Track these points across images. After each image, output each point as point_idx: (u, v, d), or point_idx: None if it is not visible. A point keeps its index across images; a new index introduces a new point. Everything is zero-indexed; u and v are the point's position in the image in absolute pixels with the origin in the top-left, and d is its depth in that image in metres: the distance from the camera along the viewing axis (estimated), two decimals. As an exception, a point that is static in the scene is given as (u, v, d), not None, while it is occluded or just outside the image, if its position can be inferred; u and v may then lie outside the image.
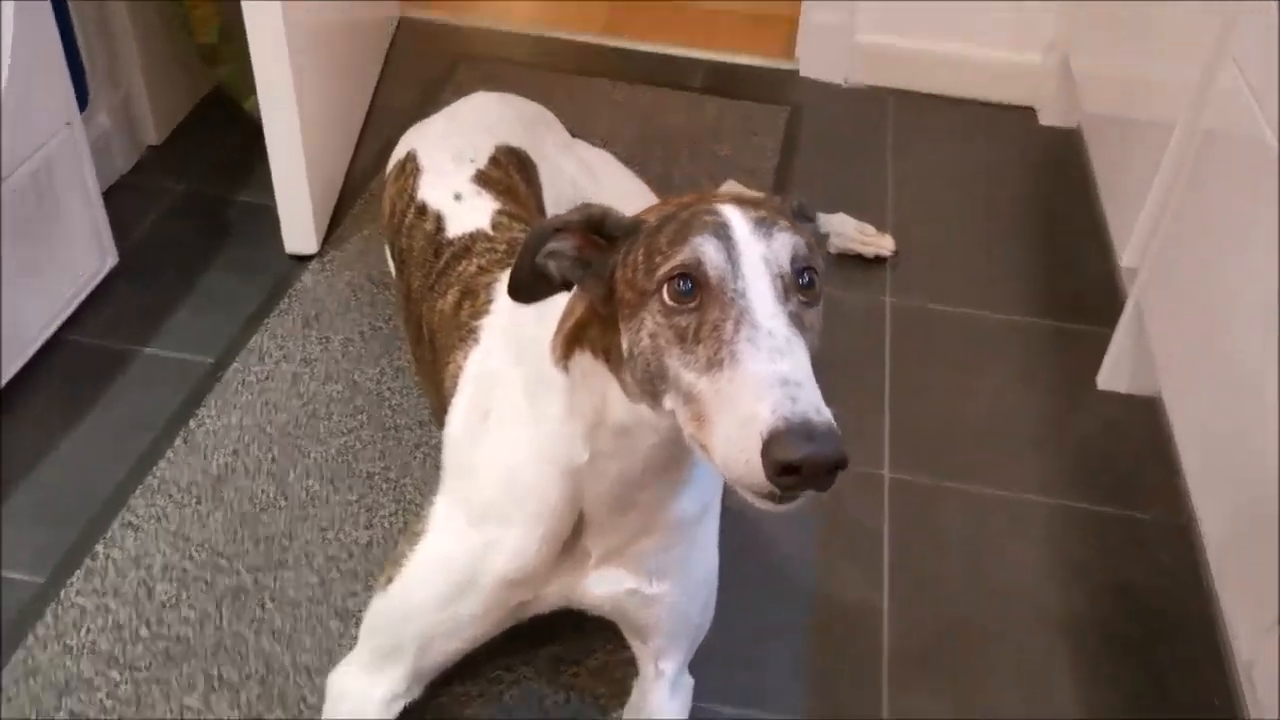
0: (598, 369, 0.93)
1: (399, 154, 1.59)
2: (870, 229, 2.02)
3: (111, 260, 1.84)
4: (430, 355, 1.30)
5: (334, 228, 1.98)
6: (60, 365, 1.69)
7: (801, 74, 2.57)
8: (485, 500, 1.07)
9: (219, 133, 2.21)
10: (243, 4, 1.69)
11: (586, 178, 1.70)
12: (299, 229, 1.89)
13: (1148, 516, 1.58)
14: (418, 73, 2.48)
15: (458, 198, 1.43)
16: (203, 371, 1.70)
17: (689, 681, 1.25)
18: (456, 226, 1.38)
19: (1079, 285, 2.00)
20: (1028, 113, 2.49)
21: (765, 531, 1.51)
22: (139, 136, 2.13)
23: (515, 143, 1.58)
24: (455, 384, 1.18)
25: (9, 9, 1.49)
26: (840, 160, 2.30)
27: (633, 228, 0.88)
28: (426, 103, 2.24)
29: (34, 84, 1.57)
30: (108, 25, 1.99)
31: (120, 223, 1.88)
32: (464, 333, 1.21)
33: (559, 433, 0.99)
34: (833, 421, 0.73)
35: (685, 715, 1.24)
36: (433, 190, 1.45)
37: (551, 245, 0.90)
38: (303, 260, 1.91)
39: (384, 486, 1.53)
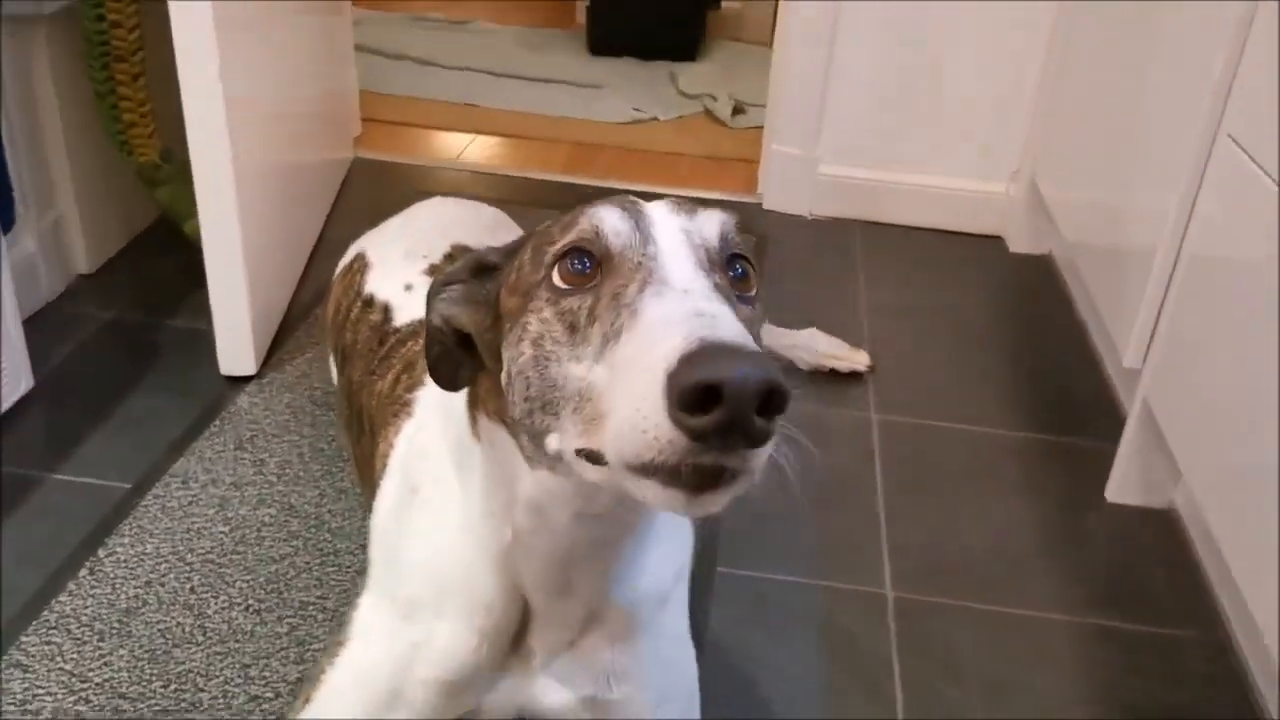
0: (499, 434, 0.79)
1: (348, 256, 1.49)
2: (843, 344, 1.91)
3: (26, 384, 1.67)
4: (370, 447, 1.15)
5: (274, 351, 1.84)
6: (-44, 492, 1.50)
7: (765, 207, 2.52)
8: (413, 592, 0.91)
9: (155, 262, 2.09)
10: (189, 142, 1.60)
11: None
12: (236, 348, 1.75)
13: (1183, 632, 1.42)
14: (371, 206, 2.39)
15: (408, 288, 1.31)
16: (118, 498, 1.51)
17: None
18: (405, 315, 1.26)
19: (1069, 399, 1.90)
20: (996, 241, 2.45)
21: (762, 661, 1.33)
22: (69, 264, 2.00)
23: (472, 243, 1.47)
24: (385, 465, 1.02)
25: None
26: (810, 286, 2.22)
27: (517, 245, 0.76)
28: (379, 231, 2.15)
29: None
30: (40, 145, 1.89)
31: (41, 349, 1.73)
32: (398, 407, 1.07)
33: (483, 509, 0.84)
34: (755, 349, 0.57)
35: None
36: (382, 283, 1.34)
37: (443, 299, 0.78)
38: (239, 382, 1.76)
39: (319, 617, 1.33)
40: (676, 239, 0.68)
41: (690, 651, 1.01)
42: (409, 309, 1.27)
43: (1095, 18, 2.05)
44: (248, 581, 1.38)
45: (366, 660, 0.93)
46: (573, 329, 0.66)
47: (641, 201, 0.72)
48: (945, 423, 1.81)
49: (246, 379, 1.76)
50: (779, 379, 0.55)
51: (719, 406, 0.54)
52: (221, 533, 1.45)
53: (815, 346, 1.89)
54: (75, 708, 1.20)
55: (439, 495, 0.89)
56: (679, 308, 0.60)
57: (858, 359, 1.90)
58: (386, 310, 1.29)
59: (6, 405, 1.63)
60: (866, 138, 2.43)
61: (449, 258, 1.40)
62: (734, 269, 0.70)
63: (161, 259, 2.08)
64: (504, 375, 0.73)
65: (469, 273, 0.78)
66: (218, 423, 1.66)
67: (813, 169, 2.46)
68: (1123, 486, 1.64)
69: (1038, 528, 1.59)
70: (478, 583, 0.86)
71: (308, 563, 1.41)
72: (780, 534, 1.54)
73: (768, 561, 1.49)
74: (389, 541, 0.96)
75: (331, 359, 1.46)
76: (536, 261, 0.71)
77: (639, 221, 0.68)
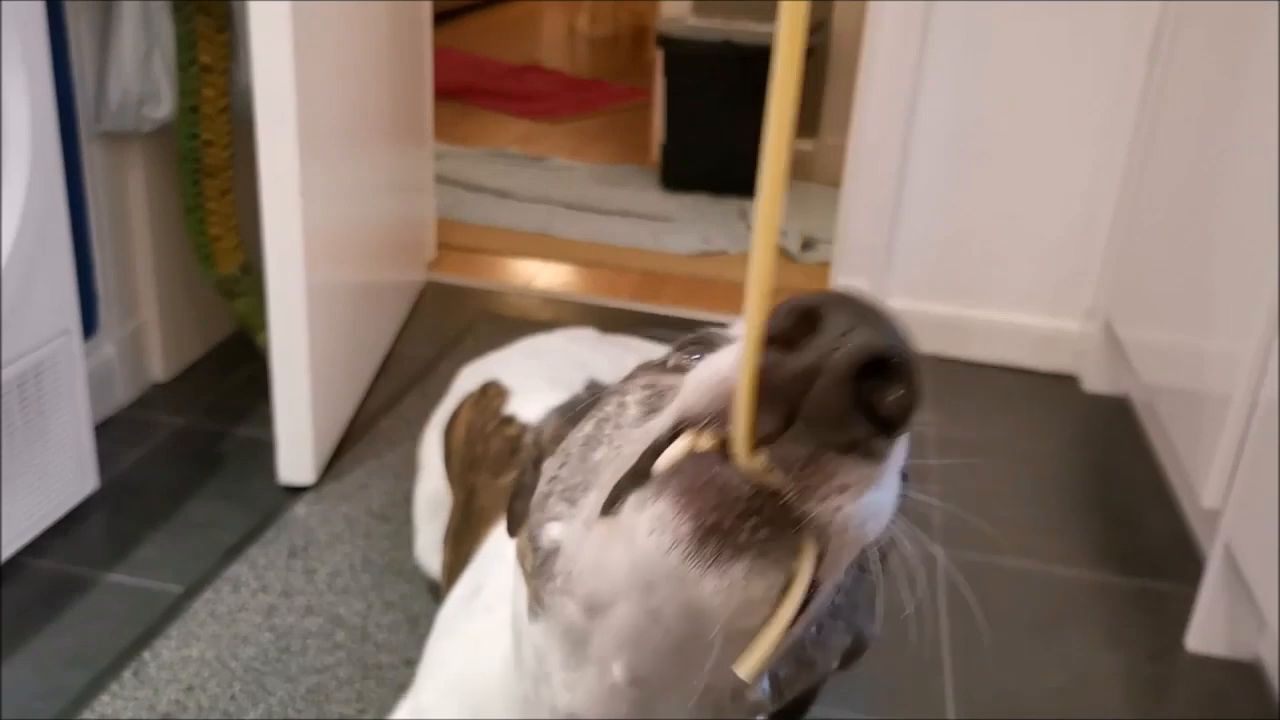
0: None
1: (469, 385, 1.46)
2: None
3: (91, 485, 1.70)
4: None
5: (334, 463, 1.85)
6: (12, 586, 1.51)
7: (832, 339, 2.50)
8: (433, 704, 0.86)
9: (228, 373, 2.13)
10: (266, 259, 1.66)
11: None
12: (296, 458, 1.76)
13: (1271, 796, 1.31)
14: (441, 325, 2.44)
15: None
16: (169, 601, 1.51)
17: None
18: None
19: (1147, 542, 1.82)
20: (1070, 380, 2.39)
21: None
22: (145, 372, 2.05)
23: (601, 375, 1.45)
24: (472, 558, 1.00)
25: (18, 188, 1.44)
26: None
27: None
28: (444, 354, 2.20)
29: (35, 279, 1.50)
30: (127, 256, 1.96)
31: (109, 453, 1.76)
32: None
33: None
34: None
35: None
36: (526, 405, 1.31)
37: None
38: (297, 492, 1.76)
39: (357, 731, 1.30)
40: None
41: None
42: None
43: (1172, 153, 2.04)
44: (288, 691, 1.35)
45: None
46: None
47: None
48: (1015, 561, 1.74)
49: (305, 489, 1.77)
50: (902, 342, 0.41)
51: (811, 339, 0.40)
52: (266, 640, 1.44)
53: None
54: (103, 813, 1.17)
55: (500, 600, 0.79)
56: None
57: None
58: (525, 429, 1.26)
59: (71, 506, 1.65)
60: (936, 271, 2.42)
61: (589, 389, 1.38)
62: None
63: (235, 370, 2.13)
64: None
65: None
66: (273, 530, 1.66)
67: (882, 302, 2.44)
68: (1204, 635, 1.55)
69: (1114, 676, 1.51)
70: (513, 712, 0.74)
71: (349, 675, 1.38)
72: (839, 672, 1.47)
73: (824, 697, 1.42)
74: (438, 636, 0.93)
75: (426, 463, 1.45)
76: None
77: None
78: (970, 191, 2.35)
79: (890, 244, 2.41)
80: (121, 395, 1.98)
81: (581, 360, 1.48)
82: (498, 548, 0.95)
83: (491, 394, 1.38)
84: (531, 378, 1.39)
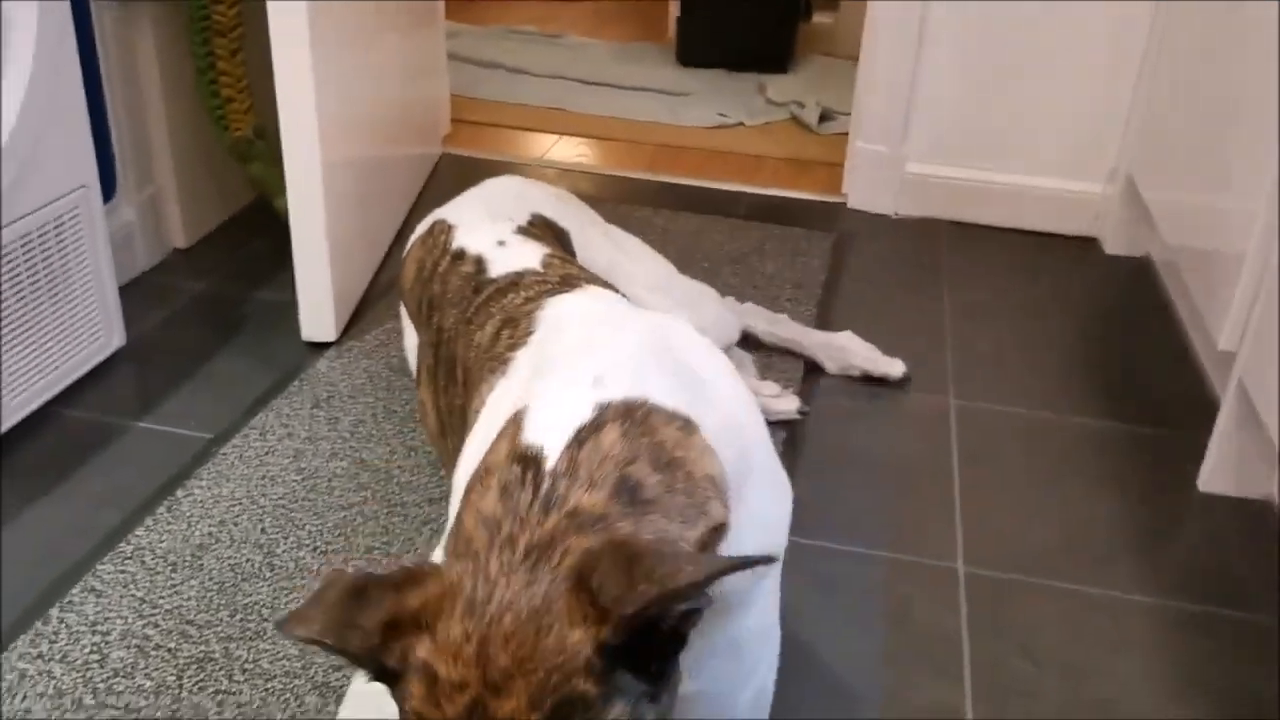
0: None
1: (423, 226, 1.49)
2: (875, 350, 1.84)
3: (118, 341, 1.73)
4: (461, 398, 1.14)
5: (354, 323, 1.87)
6: (44, 434, 1.55)
7: (850, 205, 2.49)
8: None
9: (248, 240, 2.15)
10: (281, 122, 1.66)
11: (616, 251, 1.59)
12: (318, 315, 1.78)
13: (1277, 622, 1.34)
14: (455, 196, 2.43)
15: (501, 244, 1.30)
16: (198, 447, 1.55)
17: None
18: (501, 267, 1.23)
19: (1160, 392, 1.83)
20: (1090, 243, 2.38)
21: (826, 632, 1.30)
22: (165, 238, 2.07)
23: (549, 214, 1.48)
24: (475, 421, 1.01)
25: (28, 40, 1.44)
26: (891, 286, 2.18)
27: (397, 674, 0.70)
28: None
29: (49, 133, 1.51)
30: (141, 120, 1.97)
31: (133, 315, 1.79)
32: (496, 363, 1.05)
33: None
34: None
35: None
36: (472, 237, 1.32)
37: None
38: (319, 348, 1.79)
39: (383, 561, 1.34)
40: None
41: (772, 648, 0.96)
42: (503, 262, 1.24)
43: (1195, 11, 1.99)
44: (316, 526, 1.39)
45: None
46: None
47: None
48: (1027, 410, 1.76)
49: (326, 346, 1.79)
50: None
51: None
52: (294, 481, 1.47)
53: (850, 348, 1.83)
54: (144, 630, 1.22)
55: None
56: None
57: (892, 366, 1.82)
58: (480, 262, 1.26)
59: (100, 359, 1.68)
60: (955, 135, 2.39)
61: (532, 224, 1.40)
62: None
63: (254, 238, 2.14)
64: None
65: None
66: (296, 383, 1.69)
67: (899, 167, 2.43)
68: (1215, 475, 1.57)
69: (1123, 514, 1.53)
70: None
71: (375, 511, 1.42)
72: (849, 508, 1.51)
73: (835, 533, 1.46)
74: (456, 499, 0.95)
75: (406, 320, 1.47)
76: None
77: None
78: (990, 54, 2.31)
79: (909, 109, 2.38)
80: (142, 260, 2.00)
81: (523, 194, 1.49)
82: (501, 407, 0.96)
83: (437, 231, 1.39)
84: (475, 213, 1.39)
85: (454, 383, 1.17)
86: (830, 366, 1.82)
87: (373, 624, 0.68)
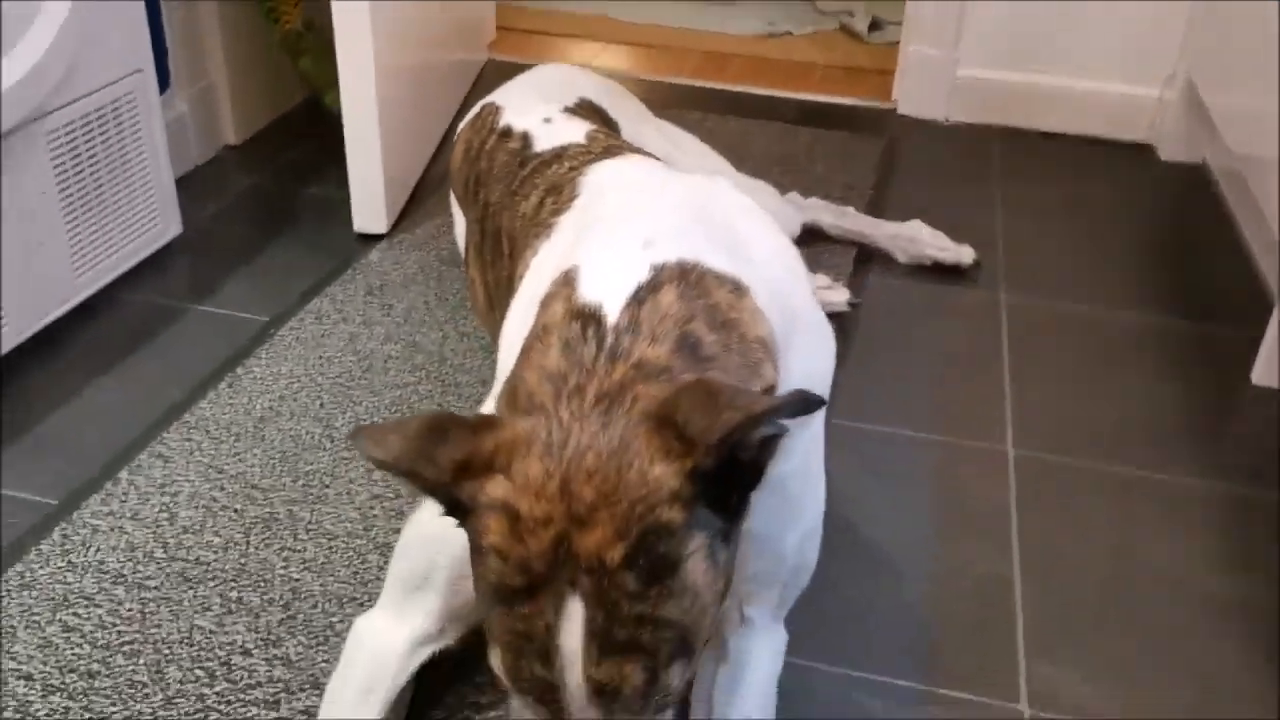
0: None
1: (473, 112, 1.49)
2: (945, 237, 1.84)
3: (175, 230, 1.75)
4: (508, 269, 1.15)
5: (404, 218, 1.88)
6: (105, 316, 1.58)
7: (899, 111, 2.46)
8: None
9: (299, 138, 2.16)
10: (334, 12, 1.66)
11: (669, 145, 1.59)
12: (370, 207, 1.80)
13: (1327, 503, 1.34)
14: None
15: (547, 121, 1.31)
16: (255, 328, 1.57)
17: (783, 635, 1.01)
18: (546, 143, 1.24)
19: (1215, 290, 1.81)
20: (1145, 149, 2.34)
21: (874, 509, 1.31)
22: (217, 133, 2.09)
23: (600, 102, 1.48)
24: (520, 284, 1.03)
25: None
26: (943, 192, 2.15)
27: (472, 512, 0.70)
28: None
29: (105, 16, 1.52)
30: (194, 15, 1.97)
31: (187, 205, 1.81)
32: (540, 229, 1.06)
33: None
34: None
35: (775, 669, 1.00)
36: (519, 116, 1.33)
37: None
38: (371, 240, 1.81)
39: (440, 435, 1.37)
40: None
41: (818, 492, 0.97)
42: (548, 138, 1.24)
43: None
44: (373, 403, 1.42)
45: None
46: None
47: (561, 699, 0.67)
48: (1079, 304, 1.75)
49: (378, 238, 1.81)
50: None
51: None
52: (350, 361, 1.50)
53: (919, 237, 1.83)
54: (210, 493, 1.25)
55: None
56: None
57: (962, 253, 1.82)
58: (526, 138, 1.27)
59: (158, 246, 1.71)
60: (1008, 38, 2.35)
61: (579, 106, 1.40)
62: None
63: (304, 137, 2.15)
64: None
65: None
66: (350, 272, 1.71)
67: (951, 71, 2.39)
68: (1269, 369, 1.56)
69: (1174, 403, 1.53)
70: None
71: (429, 391, 1.45)
72: (898, 394, 1.51)
73: (884, 418, 1.47)
74: (513, 351, 0.97)
75: (455, 207, 1.48)
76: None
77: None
78: (1049, -49, 2.26)
79: (961, 11, 2.34)
80: (195, 153, 2.02)
81: (573, 81, 1.49)
82: (545, 265, 0.96)
83: (486, 113, 1.40)
84: (524, 96, 1.40)
85: (500, 256, 1.19)
86: (900, 257, 1.82)
87: (447, 461, 0.69)
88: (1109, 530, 1.30)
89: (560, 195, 1.07)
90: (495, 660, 0.69)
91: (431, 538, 0.94)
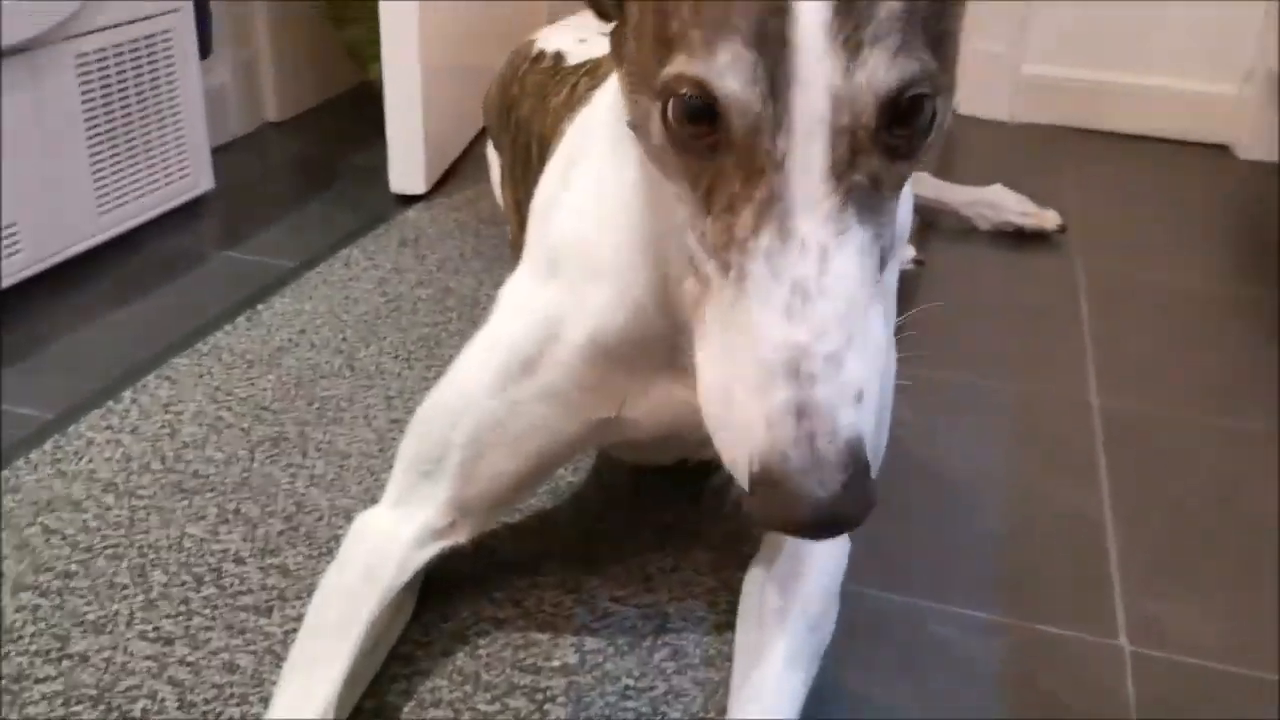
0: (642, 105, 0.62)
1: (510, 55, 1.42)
2: (1029, 202, 1.74)
3: (207, 183, 1.68)
4: (538, 172, 1.07)
5: (444, 183, 1.81)
6: (130, 258, 1.51)
7: (961, 111, 2.36)
8: (564, 259, 0.80)
9: (341, 119, 2.11)
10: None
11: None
12: (408, 167, 1.72)
13: None
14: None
15: (582, 40, 1.24)
16: (283, 271, 1.49)
17: (845, 543, 0.89)
18: (579, 57, 1.18)
19: (1313, 270, 1.67)
20: (1221, 150, 2.22)
21: (950, 444, 1.18)
22: (259, 107, 2.04)
23: None
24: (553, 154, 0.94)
25: None
26: (1008, 180, 2.04)
27: None
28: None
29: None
30: (241, -19, 1.94)
31: (226, 167, 1.75)
32: (574, 102, 0.98)
33: (635, 190, 0.73)
34: (856, 438, 0.51)
35: (839, 566, 0.86)
36: (552, 42, 1.27)
37: None
38: (409, 201, 1.73)
39: (469, 369, 1.26)
40: (817, 119, 0.52)
41: (887, 367, 0.85)
42: (582, 54, 1.19)
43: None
44: (399, 338, 1.33)
45: (510, 327, 0.83)
46: (692, 179, 0.57)
47: (802, 20, 0.51)
48: (1162, 273, 1.62)
49: (416, 199, 1.73)
50: (854, 515, 0.51)
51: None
52: (379, 302, 1.41)
53: (1003, 202, 1.73)
54: (217, 412, 1.16)
55: (596, 168, 0.80)
56: (780, 335, 0.52)
57: (1047, 217, 1.72)
58: (559, 56, 1.21)
59: (189, 197, 1.64)
60: (1076, 33, 2.25)
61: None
62: (901, 115, 0.53)
63: (349, 116, 2.10)
64: (629, 115, 0.62)
65: None
66: (384, 227, 1.63)
67: (1016, 68, 2.30)
68: (1380, 334, 1.42)
69: (1269, 360, 1.39)
70: (626, 267, 0.76)
71: (460, 329, 1.35)
72: (975, 343, 1.40)
73: (959, 364, 1.34)
74: (543, 216, 0.87)
75: (491, 152, 1.41)
76: (659, 38, 0.56)
77: (777, 84, 0.52)
78: (1119, -59, 2.18)
79: (1027, 6, 2.25)
80: (234, 126, 1.97)
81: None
82: (577, 127, 0.88)
83: (521, 48, 1.33)
84: (561, 29, 1.32)
85: (530, 169, 1.10)
86: (982, 224, 1.72)
87: None
88: (1205, 475, 1.17)
89: (596, 73, 0.99)
90: (685, 7, 0.54)
91: (449, 409, 0.84)
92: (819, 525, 0.51)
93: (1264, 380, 1.35)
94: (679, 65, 0.54)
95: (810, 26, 0.51)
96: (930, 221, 1.72)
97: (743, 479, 0.53)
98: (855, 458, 0.51)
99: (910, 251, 1.56)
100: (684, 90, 0.54)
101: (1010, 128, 2.32)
